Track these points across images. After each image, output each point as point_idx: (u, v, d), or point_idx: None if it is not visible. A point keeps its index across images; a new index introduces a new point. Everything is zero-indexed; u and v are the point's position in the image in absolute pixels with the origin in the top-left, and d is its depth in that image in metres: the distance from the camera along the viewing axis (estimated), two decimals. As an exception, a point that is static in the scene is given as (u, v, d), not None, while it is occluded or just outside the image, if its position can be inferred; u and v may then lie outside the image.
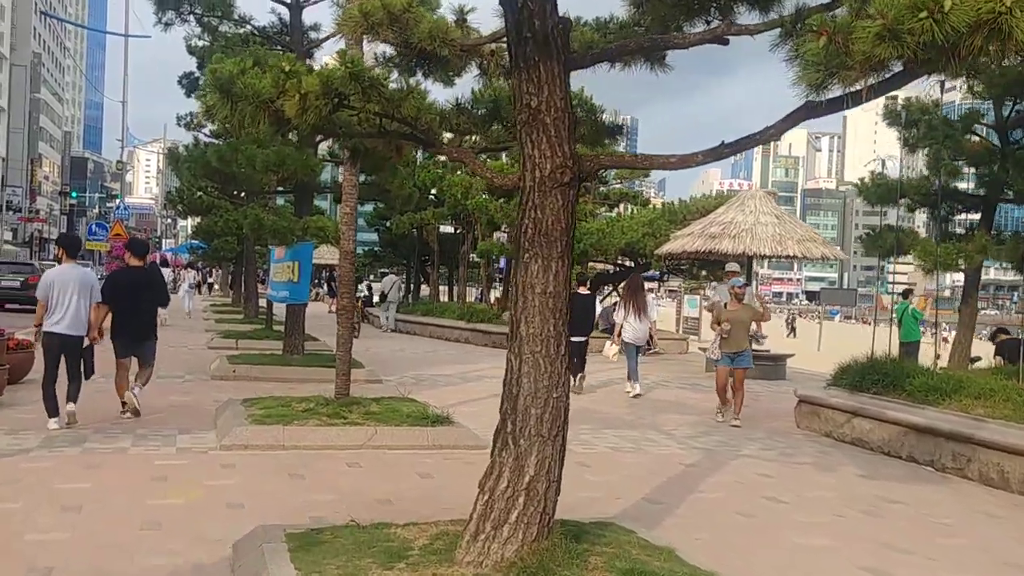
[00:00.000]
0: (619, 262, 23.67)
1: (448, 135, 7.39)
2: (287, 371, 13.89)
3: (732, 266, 17.37)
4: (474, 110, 6.78)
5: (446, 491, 7.30)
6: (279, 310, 22.27)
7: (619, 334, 14.36)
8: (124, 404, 9.99)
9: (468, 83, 6.69)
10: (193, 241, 61.80)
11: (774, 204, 20.29)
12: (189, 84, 25.39)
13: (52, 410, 9.24)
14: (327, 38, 14.72)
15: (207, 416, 10.39)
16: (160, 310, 10.72)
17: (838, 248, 23.50)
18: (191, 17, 13.85)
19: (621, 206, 30.85)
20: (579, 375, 13.95)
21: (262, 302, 24.49)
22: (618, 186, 30.39)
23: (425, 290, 35.38)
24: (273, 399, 10.25)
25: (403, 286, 31.89)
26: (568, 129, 4.86)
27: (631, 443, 10.23)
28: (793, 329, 60.24)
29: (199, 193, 26.31)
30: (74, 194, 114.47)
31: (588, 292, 15.72)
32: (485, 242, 26.21)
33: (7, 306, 26.23)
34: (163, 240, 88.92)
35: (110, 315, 9.85)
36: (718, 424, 12.09)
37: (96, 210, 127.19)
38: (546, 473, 4.84)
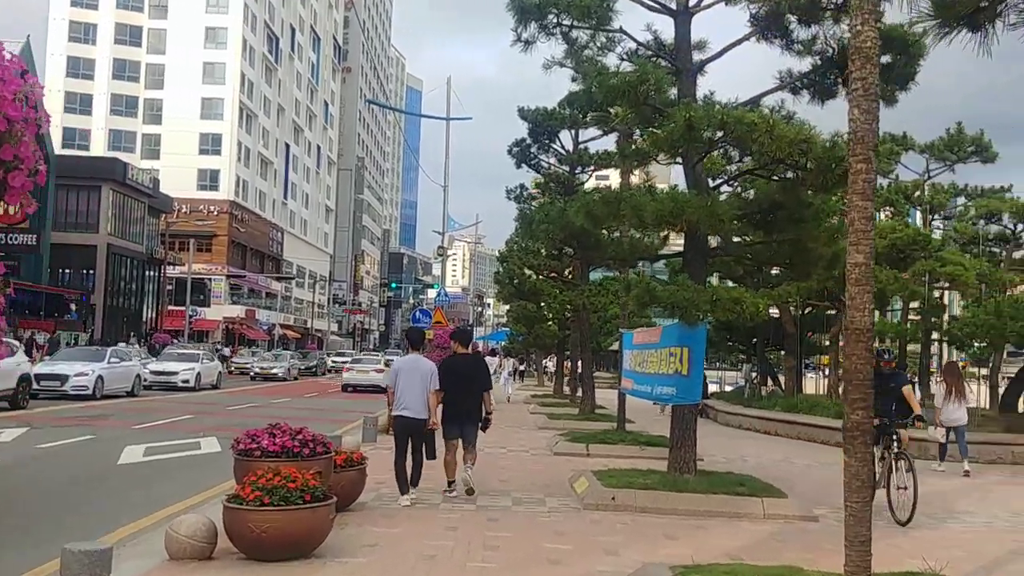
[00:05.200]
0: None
1: None
2: (684, 500, 10.03)
3: None
4: None
5: None
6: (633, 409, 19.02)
7: (939, 417, 15.32)
8: (451, 483, 10.62)
9: None
10: (505, 329, 61.05)
11: None
12: (519, 153, 23.22)
13: (404, 488, 9.99)
14: (726, 50, 11.18)
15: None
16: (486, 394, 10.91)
17: None
18: (557, 31, 10.88)
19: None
20: None
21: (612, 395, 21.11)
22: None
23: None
24: (727, 571, 6.34)
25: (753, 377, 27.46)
26: None
27: None
28: None
29: (528, 272, 23.73)
30: (393, 285, 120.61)
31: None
32: (876, 322, 21.33)
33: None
34: (474, 328, 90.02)
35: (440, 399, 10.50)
36: None
37: (411, 301, 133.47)
38: None
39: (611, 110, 19.66)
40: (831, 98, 11.64)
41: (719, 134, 9.73)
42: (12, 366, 21.95)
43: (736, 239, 14.20)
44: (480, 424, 10.69)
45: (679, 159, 10.74)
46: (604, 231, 12.14)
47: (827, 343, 28.16)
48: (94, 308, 57.29)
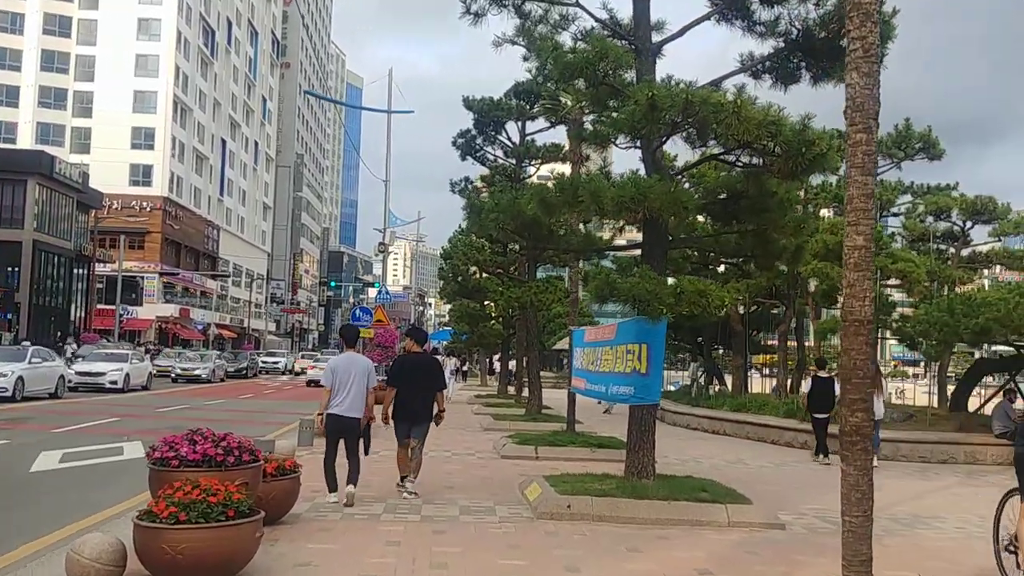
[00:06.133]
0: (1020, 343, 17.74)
1: None
2: (644, 508, 9.36)
3: None
4: None
5: None
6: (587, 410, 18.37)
7: None
8: (403, 479, 10.45)
9: None
10: (448, 328, 60.03)
11: None
12: (464, 145, 22.46)
13: (332, 485, 9.82)
14: (685, 29, 10.53)
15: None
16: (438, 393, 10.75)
17: None
18: (509, 3, 10.11)
19: (1000, 270, 24.64)
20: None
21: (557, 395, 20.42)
22: (997, 244, 24.28)
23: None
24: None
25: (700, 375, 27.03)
26: None
27: None
28: None
29: (473, 269, 22.95)
30: (332, 283, 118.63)
31: (828, 376, 16.84)
32: (827, 320, 20.98)
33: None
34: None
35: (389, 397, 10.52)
36: None
37: (351, 300, 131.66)
38: None
39: (561, 98, 19.09)
40: (794, 83, 11.11)
41: (682, 116, 9.07)
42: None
43: (689, 233, 13.64)
44: (433, 420, 10.57)
45: (638, 144, 10.09)
46: (557, 221, 11.46)
47: (772, 342, 27.86)
48: (19, 307, 55.00)
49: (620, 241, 19.15)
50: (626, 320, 11.01)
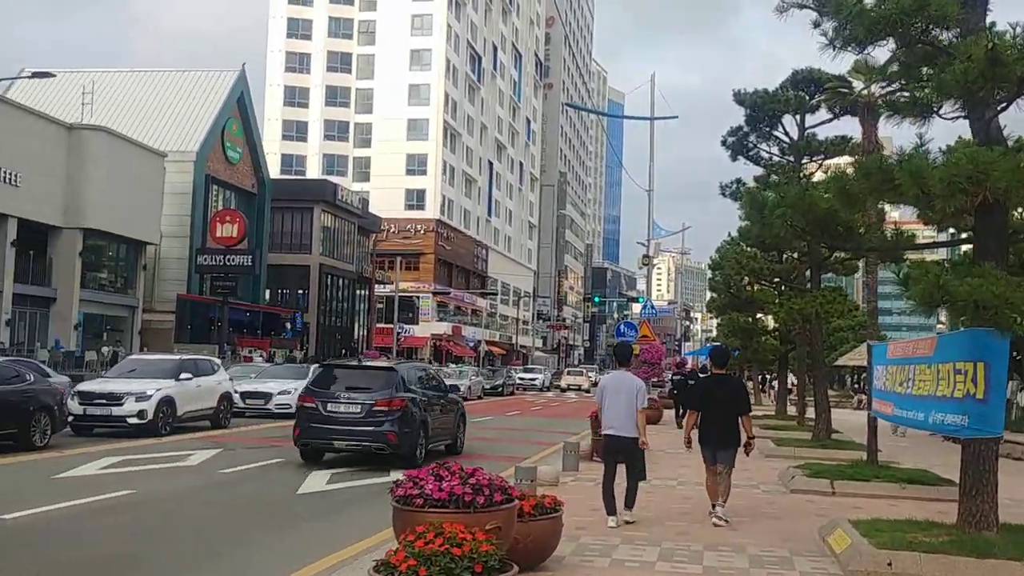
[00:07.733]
0: None
1: None
2: (989, 570, 7.36)
3: None
4: None
5: None
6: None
7: None
8: (714, 506, 10.01)
9: None
10: (713, 344, 57.67)
11: None
12: (735, 143, 20.75)
13: (610, 508, 9.54)
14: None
15: None
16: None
17: None
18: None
19: None
20: None
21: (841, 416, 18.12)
22: None
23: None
24: None
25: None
26: None
27: None
28: None
29: (745, 279, 21.11)
30: (596, 299, 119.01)
31: None
32: None
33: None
34: (681, 344, 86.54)
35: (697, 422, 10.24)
36: None
37: (615, 316, 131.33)
38: None
39: (851, 79, 16.94)
40: None
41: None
42: (213, 384, 21.72)
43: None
44: (743, 448, 10.11)
45: (965, 113, 8.13)
46: (857, 217, 9.66)
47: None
48: (308, 326, 58.92)
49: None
50: (951, 333, 9.04)
